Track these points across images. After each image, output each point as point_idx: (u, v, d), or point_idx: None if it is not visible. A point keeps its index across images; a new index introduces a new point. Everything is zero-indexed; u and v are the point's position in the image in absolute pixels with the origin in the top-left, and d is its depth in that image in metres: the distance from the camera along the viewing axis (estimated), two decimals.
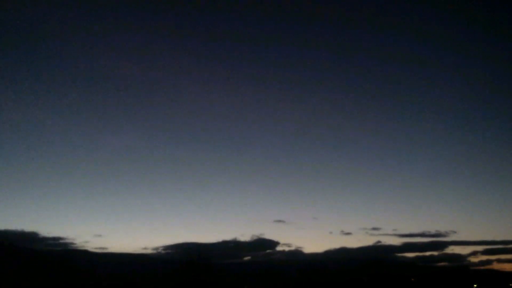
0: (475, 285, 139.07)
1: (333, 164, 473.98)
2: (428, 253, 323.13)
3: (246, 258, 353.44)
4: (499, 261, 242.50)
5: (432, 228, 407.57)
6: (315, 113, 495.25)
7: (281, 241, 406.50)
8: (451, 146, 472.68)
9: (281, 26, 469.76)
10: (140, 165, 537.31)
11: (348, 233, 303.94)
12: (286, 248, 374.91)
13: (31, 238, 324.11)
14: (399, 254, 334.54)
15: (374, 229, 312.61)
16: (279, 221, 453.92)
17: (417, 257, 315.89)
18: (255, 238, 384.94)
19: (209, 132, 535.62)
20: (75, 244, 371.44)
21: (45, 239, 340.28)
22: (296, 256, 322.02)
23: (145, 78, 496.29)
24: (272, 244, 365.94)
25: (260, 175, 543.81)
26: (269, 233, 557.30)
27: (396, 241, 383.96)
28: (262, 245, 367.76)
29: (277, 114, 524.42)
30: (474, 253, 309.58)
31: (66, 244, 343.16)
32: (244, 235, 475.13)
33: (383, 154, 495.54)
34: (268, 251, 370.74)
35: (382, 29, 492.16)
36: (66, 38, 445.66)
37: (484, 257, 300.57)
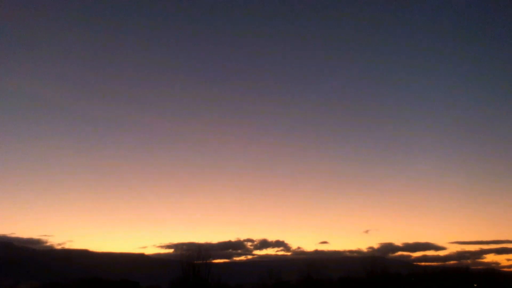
0: (475, 285, 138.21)
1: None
2: (428, 253, 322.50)
3: (247, 258, 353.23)
4: (499, 261, 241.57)
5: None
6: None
7: (283, 242, 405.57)
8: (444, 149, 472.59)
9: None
10: (140, 168, 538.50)
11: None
12: (286, 249, 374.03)
13: (32, 239, 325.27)
14: (398, 254, 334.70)
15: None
16: (278, 222, 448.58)
17: (416, 257, 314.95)
18: (256, 239, 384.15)
19: (206, 139, 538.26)
20: (77, 244, 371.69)
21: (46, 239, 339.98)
22: (296, 256, 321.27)
23: (150, 98, 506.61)
24: (276, 244, 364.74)
25: (258, 177, 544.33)
26: (269, 234, 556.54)
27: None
28: (264, 246, 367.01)
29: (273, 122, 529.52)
30: (475, 253, 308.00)
31: (66, 244, 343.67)
32: (245, 235, 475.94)
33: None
34: (269, 251, 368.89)
35: (380, 29, 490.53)
36: None
37: (485, 257, 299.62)
